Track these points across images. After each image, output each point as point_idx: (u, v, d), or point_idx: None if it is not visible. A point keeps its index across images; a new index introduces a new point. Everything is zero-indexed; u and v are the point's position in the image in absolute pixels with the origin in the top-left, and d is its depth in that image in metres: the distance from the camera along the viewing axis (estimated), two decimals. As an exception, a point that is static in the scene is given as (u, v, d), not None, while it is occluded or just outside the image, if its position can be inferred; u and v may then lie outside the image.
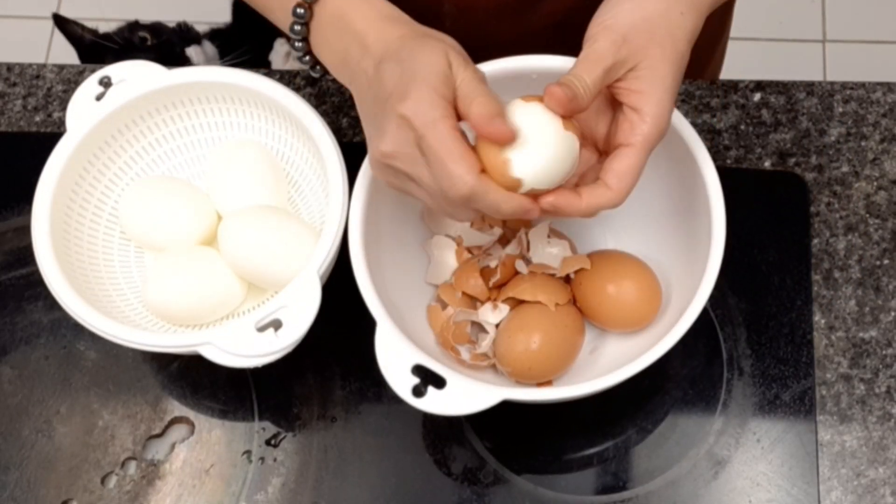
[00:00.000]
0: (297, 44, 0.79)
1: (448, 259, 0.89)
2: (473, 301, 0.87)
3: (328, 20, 0.77)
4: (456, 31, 0.84)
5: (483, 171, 0.71)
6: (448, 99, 0.71)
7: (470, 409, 0.76)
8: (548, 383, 0.84)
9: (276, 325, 0.79)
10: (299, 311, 0.80)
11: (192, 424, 0.89)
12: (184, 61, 1.48)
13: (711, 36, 1.15)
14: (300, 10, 0.77)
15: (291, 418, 0.89)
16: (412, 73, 0.71)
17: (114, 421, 0.89)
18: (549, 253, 0.87)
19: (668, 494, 0.85)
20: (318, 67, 0.81)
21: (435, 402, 0.76)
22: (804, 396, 0.87)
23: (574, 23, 0.92)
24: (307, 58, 0.80)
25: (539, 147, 0.71)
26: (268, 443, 0.88)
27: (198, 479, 0.87)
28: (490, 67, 0.84)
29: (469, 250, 0.89)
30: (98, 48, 1.54)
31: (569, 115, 0.72)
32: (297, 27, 0.78)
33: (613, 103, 0.76)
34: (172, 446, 0.88)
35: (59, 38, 2.05)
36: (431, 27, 0.77)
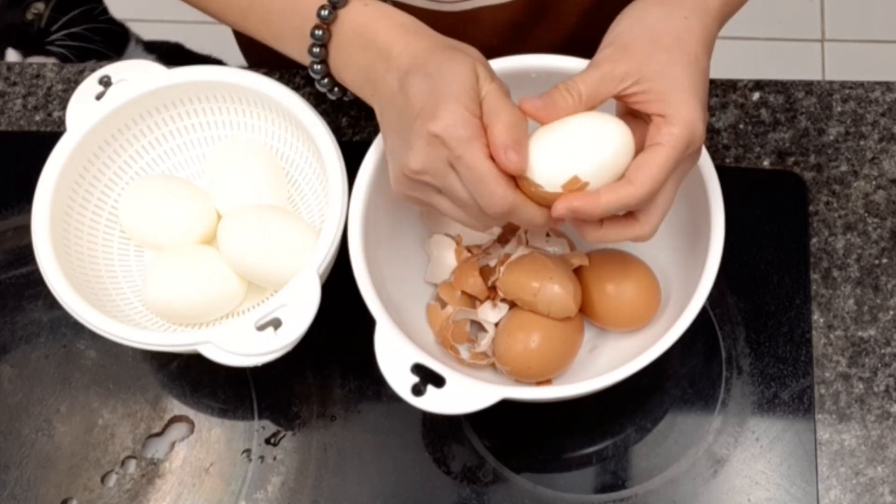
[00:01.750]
0: (315, 66, 0.79)
1: (447, 258, 0.89)
2: (473, 300, 0.87)
3: (349, 37, 0.77)
4: None
5: (516, 185, 0.72)
6: (478, 115, 0.71)
7: (469, 408, 0.76)
8: (547, 382, 0.85)
9: (276, 323, 0.80)
10: (299, 309, 0.80)
11: (191, 423, 0.89)
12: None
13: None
14: (318, 32, 0.77)
15: (291, 417, 0.89)
16: (442, 90, 0.71)
17: (114, 420, 0.89)
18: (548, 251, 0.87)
19: (667, 493, 0.85)
20: (336, 89, 0.81)
21: (434, 401, 0.76)
22: (803, 395, 0.87)
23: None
24: (326, 80, 0.80)
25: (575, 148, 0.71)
26: (267, 441, 0.88)
27: (197, 478, 0.87)
28: (493, 65, 0.84)
29: (468, 249, 0.89)
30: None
31: (546, 121, 0.72)
32: (316, 49, 0.78)
33: (640, 124, 0.75)
34: (172, 445, 0.89)
35: (59, 37, 2.05)
36: None
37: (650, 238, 0.75)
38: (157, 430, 0.89)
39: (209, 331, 0.82)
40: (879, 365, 0.88)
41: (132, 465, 0.88)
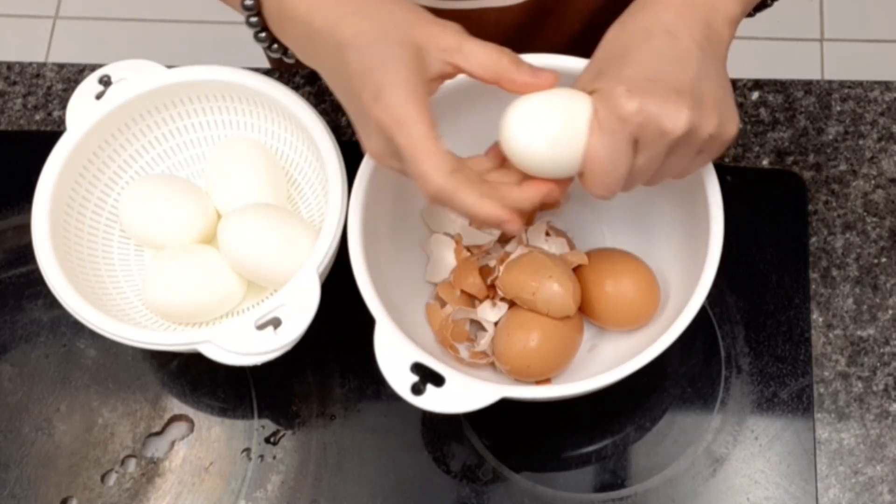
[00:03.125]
0: (259, 34, 0.77)
1: (447, 257, 0.89)
2: (472, 299, 0.87)
3: (274, 6, 0.75)
4: None
5: (457, 171, 0.69)
6: (419, 91, 0.69)
7: (468, 407, 0.76)
8: (546, 381, 0.85)
9: (276, 323, 0.80)
10: (299, 309, 0.80)
11: (191, 422, 0.89)
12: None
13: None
14: (249, 2, 0.75)
15: (291, 416, 0.89)
16: (378, 68, 0.68)
17: (113, 419, 0.89)
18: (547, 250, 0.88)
19: (667, 492, 0.86)
20: (289, 52, 0.78)
21: (434, 400, 0.76)
22: (802, 394, 0.88)
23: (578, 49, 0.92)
24: (276, 45, 0.78)
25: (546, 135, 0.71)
26: (267, 440, 0.88)
27: (197, 477, 0.87)
28: None
29: (468, 249, 0.89)
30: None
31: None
32: (253, 19, 0.76)
33: None
34: (172, 444, 0.89)
35: (59, 37, 2.06)
36: None
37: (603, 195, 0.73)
38: (156, 429, 0.89)
39: (209, 330, 0.82)
40: (878, 364, 0.88)
41: (132, 464, 0.88)
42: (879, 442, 0.86)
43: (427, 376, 0.76)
